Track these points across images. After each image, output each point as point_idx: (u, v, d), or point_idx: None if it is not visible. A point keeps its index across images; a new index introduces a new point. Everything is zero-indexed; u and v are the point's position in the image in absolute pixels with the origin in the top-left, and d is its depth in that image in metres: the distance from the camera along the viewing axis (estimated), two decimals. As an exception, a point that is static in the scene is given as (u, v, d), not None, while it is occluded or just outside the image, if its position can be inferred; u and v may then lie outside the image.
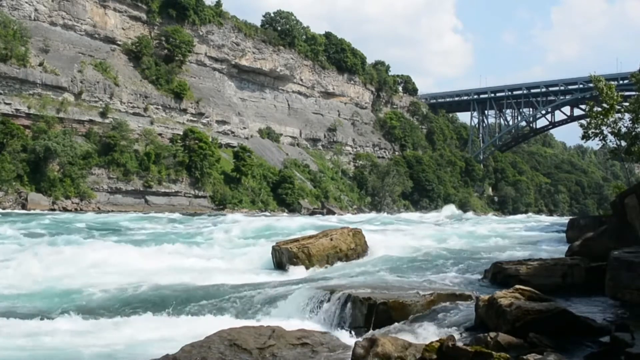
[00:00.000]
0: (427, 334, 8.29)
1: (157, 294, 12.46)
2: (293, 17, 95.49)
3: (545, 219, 60.96)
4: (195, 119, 73.86)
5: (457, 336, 7.64)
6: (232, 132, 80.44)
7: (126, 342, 8.97)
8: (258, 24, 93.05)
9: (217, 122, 77.88)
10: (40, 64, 58.27)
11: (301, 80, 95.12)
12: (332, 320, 9.72)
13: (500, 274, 11.74)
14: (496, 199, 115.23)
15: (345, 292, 10.40)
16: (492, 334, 6.94)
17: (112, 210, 53.52)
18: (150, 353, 8.07)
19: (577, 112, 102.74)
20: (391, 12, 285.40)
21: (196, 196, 66.54)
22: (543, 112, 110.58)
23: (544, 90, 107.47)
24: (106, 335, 9.46)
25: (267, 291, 12.30)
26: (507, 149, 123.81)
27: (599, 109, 26.60)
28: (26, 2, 61.35)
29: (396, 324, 9.01)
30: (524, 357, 6.15)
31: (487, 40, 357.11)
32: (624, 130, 26.33)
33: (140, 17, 73.48)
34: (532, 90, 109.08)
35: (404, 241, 21.17)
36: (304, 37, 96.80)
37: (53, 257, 16.42)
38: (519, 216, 77.52)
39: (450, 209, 70.83)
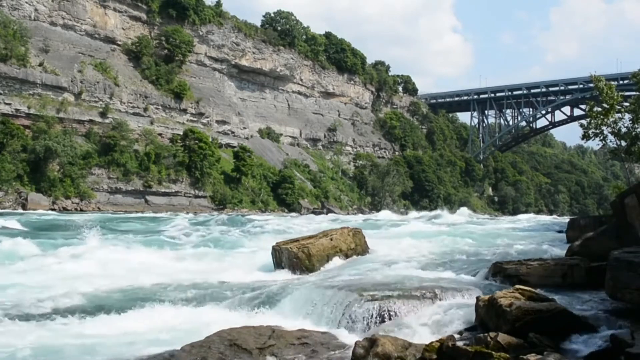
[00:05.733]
0: (427, 334, 8.29)
1: (160, 292, 12.48)
2: (293, 17, 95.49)
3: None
4: (195, 119, 73.86)
5: (457, 336, 7.64)
6: (232, 132, 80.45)
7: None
8: (258, 24, 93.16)
9: (217, 122, 77.89)
10: (40, 64, 58.26)
11: (301, 80, 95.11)
12: (331, 320, 9.71)
13: (500, 274, 11.73)
14: (496, 199, 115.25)
15: (344, 292, 10.41)
16: (492, 334, 6.94)
17: (113, 211, 53.50)
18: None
19: (577, 112, 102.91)
20: (390, 12, 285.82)
21: (196, 196, 66.53)
22: (543, 112, 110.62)
23: (544, 90, 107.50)
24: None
25: (267, 291, 12.30)
26: (507, 149, 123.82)
27: (599, 109, 26.59)
28: (26, 2, 61.34)
29: (396, 323, 9.00)
30: (524, 357, 6.15)
31: (486, 40, 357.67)
32: (624, 130, 26.34)
33: (140, 17, 73.48)
34: (532, 90, 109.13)
35: (404, 241, 21.15)
36: (304, 37, 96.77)
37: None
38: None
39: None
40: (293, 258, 15.12)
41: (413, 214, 65.78)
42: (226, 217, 45.20)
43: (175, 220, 37.14)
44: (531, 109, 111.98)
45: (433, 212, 64.57)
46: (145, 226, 33.13)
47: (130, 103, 66.27)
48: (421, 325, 8.75)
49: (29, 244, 19.40)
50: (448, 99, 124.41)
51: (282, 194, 74.34)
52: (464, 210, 70.00)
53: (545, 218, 70.18)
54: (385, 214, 59.99)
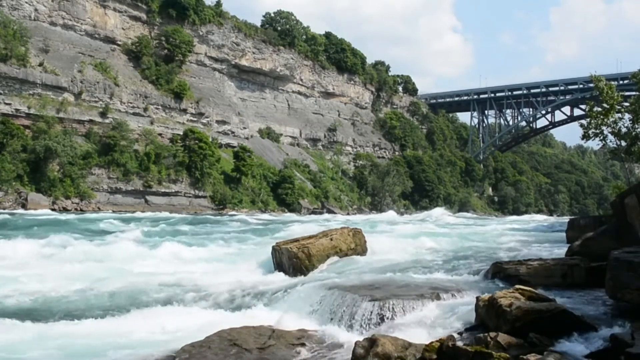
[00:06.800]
0: (427, 334, 8.29)
1: (161, 293, 12.49)
2: (293, 17, 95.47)
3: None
4: (195, 119, 73.84)
5: (457, 336, 7.64)
6: (232, 132, 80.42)
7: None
8: (258, 24, 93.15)
9: (217, 122, 77.87)
10: (40, 64, 58.23)
11: (301, 80, 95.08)
12: (332, 320, 9.71)
13: (500, 274, 11.74)
14: (496, 199, 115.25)
15: (344, 292, 10.41)
16: (492, 334, 6.94)
17: (113, 211, 53.46)
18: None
19: (577, 112, 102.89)
20: (390, 12, 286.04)
21: (196, 196, 66.50)
22: (543, 112, 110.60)
23: (544, 90, 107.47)
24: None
25: (267, 291, 12.32)
26: (507, 149, 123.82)
27: (599, 109, 26.60)
28: (26, 2, 61.31)
29: (396, 323, 9.01)
30: (524, 357, 6.16)
31: (486, 40, 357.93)
32: (624, 130, 26.35)
33: (140, 17, 73.44)
34: (532, 90, 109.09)
35: (404, 241, 21.15)
36: (304, 37, 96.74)
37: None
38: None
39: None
40: (293, 258, 15.11)
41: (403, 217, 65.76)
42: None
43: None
44: (531, 109, 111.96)
45: (423, 214, 64.27)
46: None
47: (130, 103, 66.24)
48: (421, 325, 8.75)
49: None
50: (448, 99, 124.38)
51: (282, 194, 74.33)
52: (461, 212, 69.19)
53: (539, 218, 70.29)
54: (389, 215, 59.69)
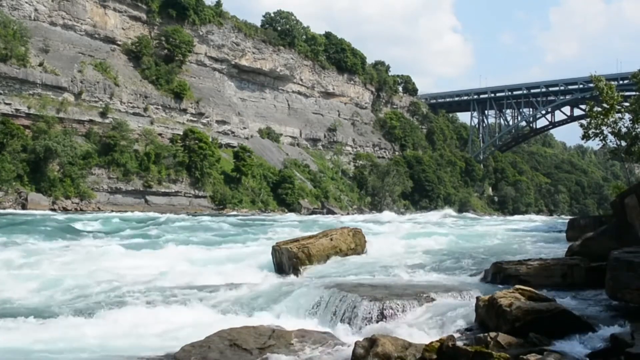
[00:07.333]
0: (427, 334, 8.28)
1: (161, 292, 12.47)
2: (293, 17, 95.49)
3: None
4: (195, 119, 73.85)
5: (457, 336, 7.64)
6: (232, 132, 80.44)
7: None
8: (258, 24, 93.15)
9: (217, 122, 77.88)
10: (40, 64, 58.23)
11: (301, 80, 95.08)
12: (332, 320, 9.71)
13: (500, 274, 11.73)
14: (496, 199, 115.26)
15: (344, 292, 10.40)
16: (492, 334, 6.94)
17: (113, 210, 53.45)
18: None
19: (577, 112, 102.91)
20: (390, 12, 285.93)
21: (196, 196, 66.51)
22: (543, 112, 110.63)
23: (544, 90, 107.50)
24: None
25: (267, 291, 12.30)
26: (507, 149, 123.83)
27: (599, 109, 26.63)
28: (26, 2, 61.31)
29: (396, 323, 9.00)
30: (524, 357, 6.15)
31: (486, 40, 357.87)
32: (624, 130, 26.38)
33: (140, 17, 73.46)
34: (532, 90, 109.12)
35: (404, 241, 21.15)
36: (304, 37, 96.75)
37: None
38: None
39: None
40: (293, 258, 15.11)
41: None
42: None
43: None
44: (531, 109, 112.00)
45: (428, 213, 63.88)
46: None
47: (130, 103, 66.24)
48: (421, 325, 8.74)
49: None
50: (448, 99, 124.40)
51: (282, 194, 74.35)
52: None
53: (539, 218, 70.24)
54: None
